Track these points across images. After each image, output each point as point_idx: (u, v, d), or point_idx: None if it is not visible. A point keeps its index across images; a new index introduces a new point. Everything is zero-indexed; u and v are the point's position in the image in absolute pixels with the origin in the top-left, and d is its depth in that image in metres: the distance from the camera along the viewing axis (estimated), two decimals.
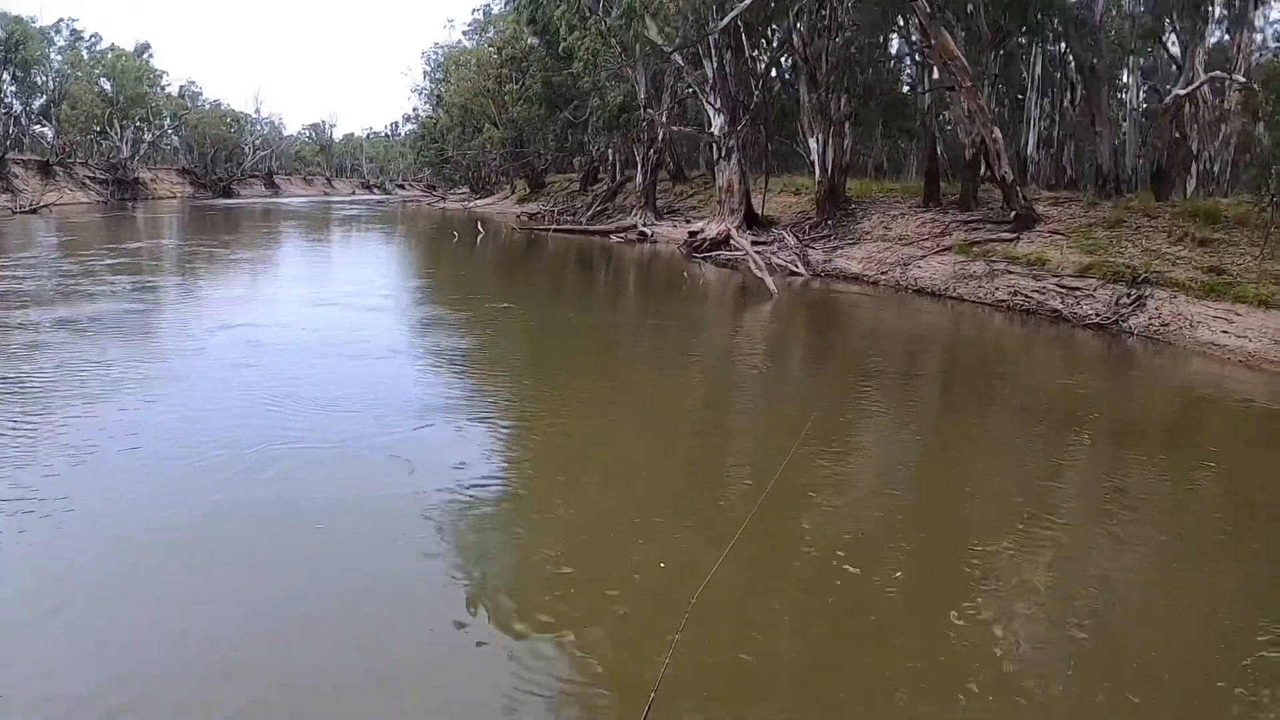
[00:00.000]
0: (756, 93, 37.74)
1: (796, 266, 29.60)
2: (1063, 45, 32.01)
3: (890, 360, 19.12)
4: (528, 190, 72.86)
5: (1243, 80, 24.99)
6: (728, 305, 26.06)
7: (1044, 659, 6.55)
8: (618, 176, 56.98)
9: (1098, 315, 22.92)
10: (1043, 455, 12.28)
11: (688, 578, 6.81)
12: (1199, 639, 7.06)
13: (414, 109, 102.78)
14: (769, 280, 25.53)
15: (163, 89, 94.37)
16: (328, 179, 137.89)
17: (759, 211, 36.58)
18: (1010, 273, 25.64)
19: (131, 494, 8.79)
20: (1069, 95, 36.24)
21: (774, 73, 40.05)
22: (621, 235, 45.42)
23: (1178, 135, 28.73)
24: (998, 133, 27.38)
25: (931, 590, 7.62)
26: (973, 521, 9.46)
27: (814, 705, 5.97)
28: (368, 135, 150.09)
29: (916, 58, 36.91)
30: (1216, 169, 29.39)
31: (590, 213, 53.90)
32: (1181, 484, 11.37)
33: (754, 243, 33.34)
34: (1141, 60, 34.34)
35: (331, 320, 19.31)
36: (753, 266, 27.92)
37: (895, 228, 31.31)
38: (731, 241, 33.97)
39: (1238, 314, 21.69)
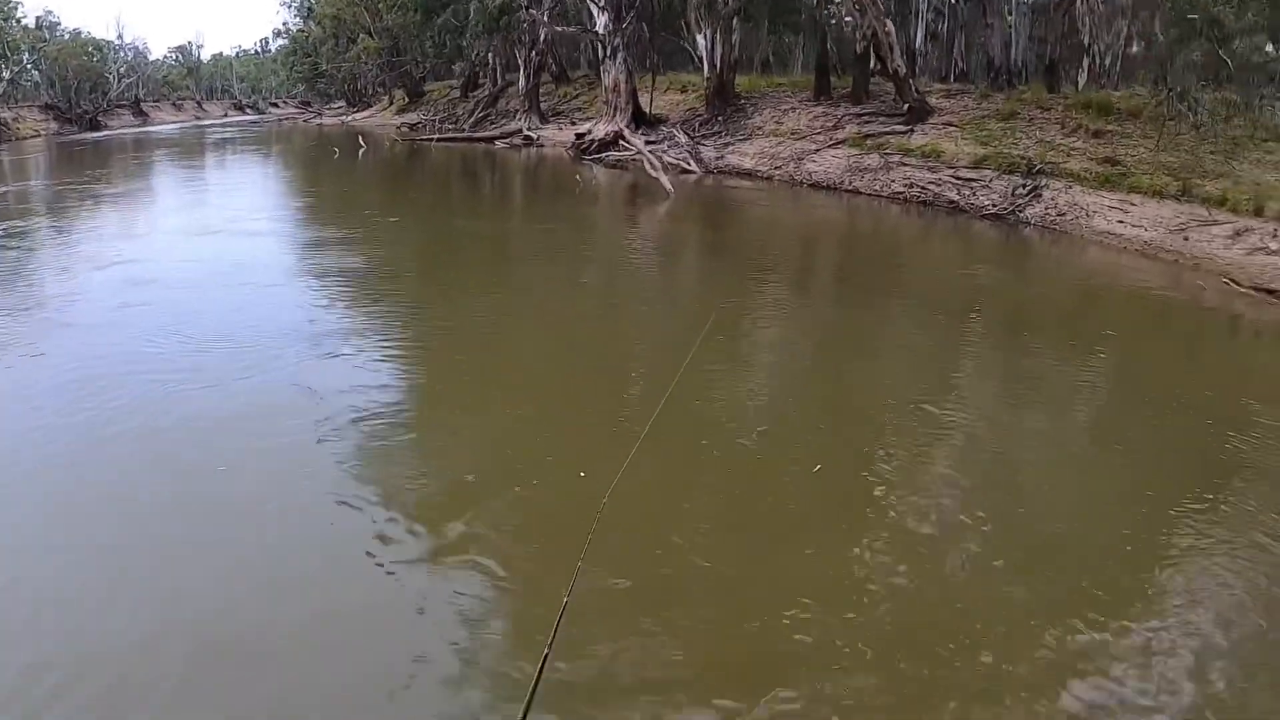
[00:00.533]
0: None
1: (689, 164, 28.83)
2: None
3: (791, 254, 18.71)
4: (406, 100, 70.42)
5: None
6: (622, 206, 25.19)
7: (951, 537, 6.49)
8: (499, 81, 55.18)
9: (995, 206, 22.68)
10: (945, 345, 12.00)
11: (601, 483, 6.43)
12: (1096, 511, 7.13)
13: (284, 23, 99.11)
14: (664, 179, 24.75)
15: (18, 22, 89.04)
16: (198, 103, 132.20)
17: (647, 110, 35.58)
18: (905, 165, 25.26)
19: (14, 453, 7.78)
20: None
21: None
22: (507, 141, 44.02)
23: (1069, 29, 28.52)
24: (890, 25, 26.91)
25: (840, 483, 7.37)
26: (876, 413, 9.14)
27: (728, 607, 5.70)
28: (237, 54, 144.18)
29: None
30: (1107, 62, 29.27)
31: (472, 120, 52.19)
32: (1080, 368, 11.19)
33: (645, 142, 32.54)
34: None
35: (215, 250, 17.55)
36: (646, 166, 27.09)
37: (787, 122, 30.68)
38: (622, 142, 33.07)
39: (1133, 204, 21.64)
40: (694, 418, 8.25)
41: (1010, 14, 30.29)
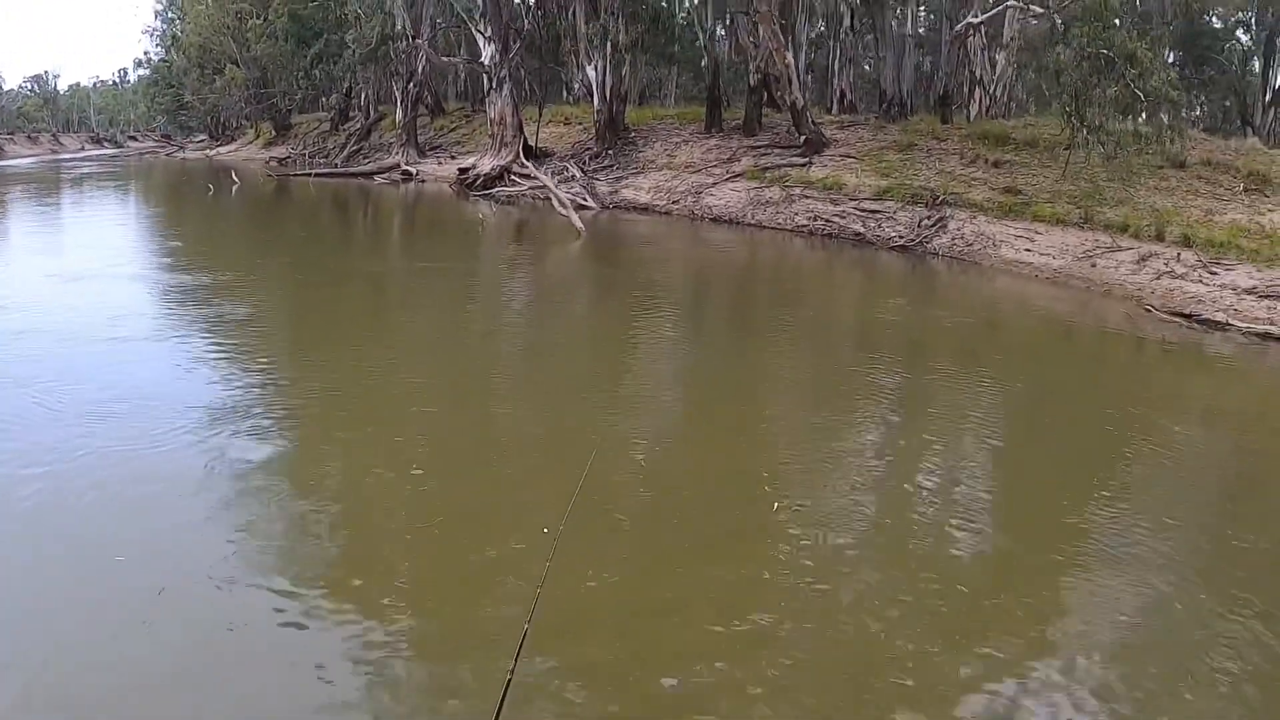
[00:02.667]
0: (528, 19, 36.03)
1: (586, 200, 28.13)
2: None
3: (718, 291, 18.13)
4: (273, 133, 68.48)
5: (1040, 10, 24.88)
6: (533, 246, 23.91)
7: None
8: (371, 114, 54.03)
9: (902, 238, 22.60)
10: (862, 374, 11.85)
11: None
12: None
13: (145, 52, 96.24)
14: (574, 217, 23.81)
15: None
16: (54, 135, 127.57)
17: (533, 144, 34.88)
18: (808, 198, 25.07)
19: None
20: (849, 20, 35.99)
21: None
22: (385, 176, 42.79)
23: (961, 61, 28.74)
24: (790, 58, 26.70)
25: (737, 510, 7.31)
26: (776, 436, 9.22)
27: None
28: (95, 85, 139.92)
29: None
30: (998, 93, 29.49)
31: (345, 153, 50.81)
32: (996, 391, 11.51)
33: (527, 177, 31.87)
34: None
35: (82, 298, 15.78)
36: (554, 203, 26.18)
37: (680, 155, 30.31)
38: (513, 176, 32.31)
39: (1038, 233, 21.76)
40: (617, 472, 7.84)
41: (897, 46, 30.40)
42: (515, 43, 35.22)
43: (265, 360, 11.33)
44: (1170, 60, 22.18)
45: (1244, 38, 41.27)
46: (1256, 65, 41.40)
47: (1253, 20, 40.08)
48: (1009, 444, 9.53)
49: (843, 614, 5.86)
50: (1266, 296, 18.57)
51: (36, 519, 6.73)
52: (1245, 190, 22.07)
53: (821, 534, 6.83)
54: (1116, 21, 22.18)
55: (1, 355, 11.00)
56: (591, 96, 33.83)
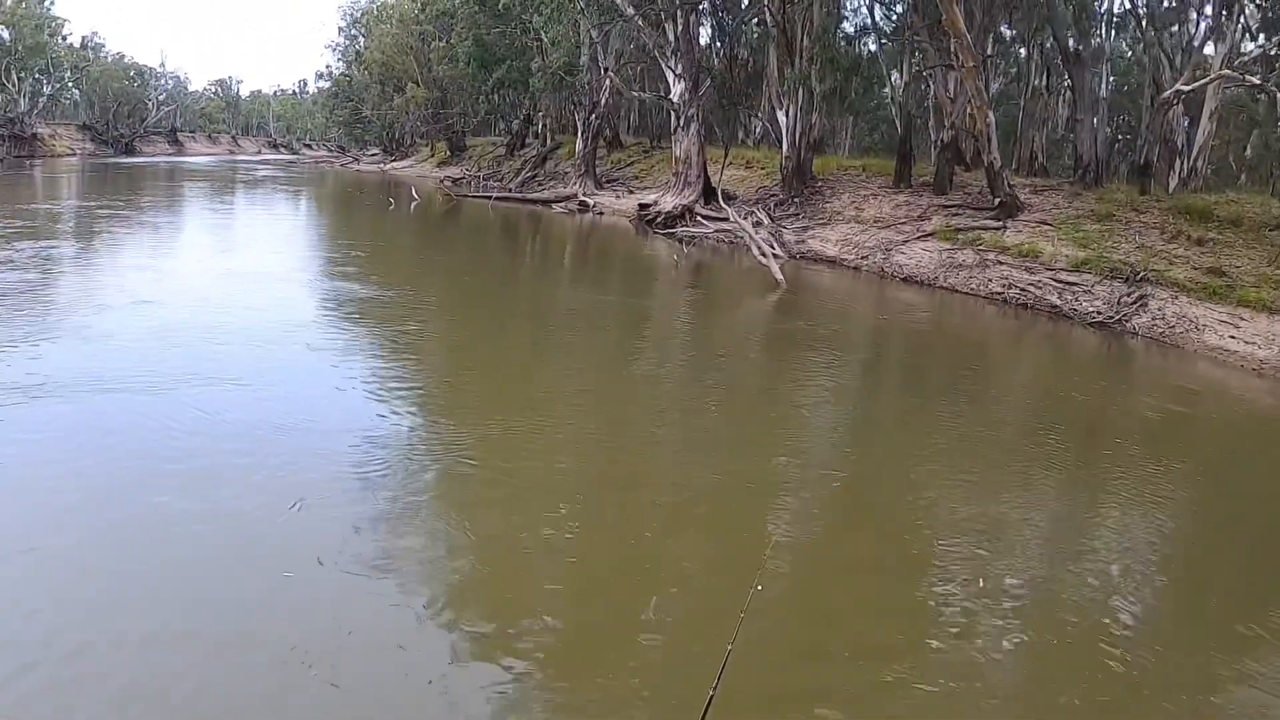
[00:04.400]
0: (719, 60, 36.46)
1: (773, 247, 28.34)
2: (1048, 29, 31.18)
3: (934, 360, 18.14)
4: (448, 153, 70.37)
5: (1257, 82, 24.41)
6: (725, 293, 24.22)
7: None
8: (548, 141, 55.12)
9: (1099, 313, 22.27)
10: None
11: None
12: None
13: (327, 66, 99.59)
14: (774, 267, 23.87)
15: (64, 39, 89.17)
16: (233, 138, 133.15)
17: (716, 185, 35.22)
18: (1002, 263, 24.84)
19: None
20: (1043, 80, 35.72)
21: (741, 39, 38.83)
22: (562, 205, 43.65)
23: (1165, 130, 28.29)
24: (991, 116, 26.51)
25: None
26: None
27: None
28: (275, 93, 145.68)
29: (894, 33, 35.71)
30: (1199, 165, 28.93)
31: (519, 179, 52.00)
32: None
33: (712, 218, 32.19)
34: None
35: (276, 303, 16.38)
36: (754, 251, 26.27)
37: (868, 209, 30.32)
38: (698, 217, 32.70)
39: (1243, 318, 21.21)
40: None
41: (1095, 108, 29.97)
42: (705, 81, 35.69)
43: (431, 388, 11.93)
44: None
45: None
46: None
47: None
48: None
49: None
50: None
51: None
52: None
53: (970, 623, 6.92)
54: None
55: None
56: (780, 142, 33.98)
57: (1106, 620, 7.23)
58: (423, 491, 8.43)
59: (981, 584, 7.56)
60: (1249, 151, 32.89)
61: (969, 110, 27.24)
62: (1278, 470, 13.48)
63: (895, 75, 35.19)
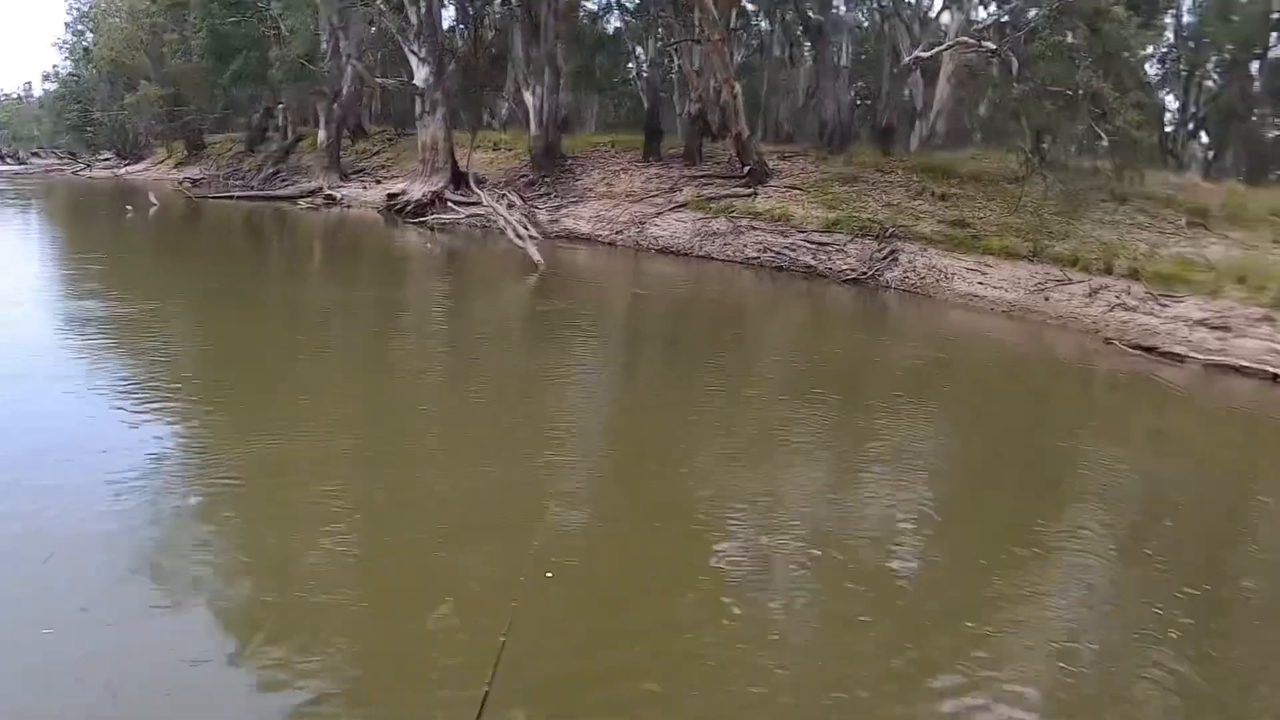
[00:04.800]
0: (464, 42, 35.57)
1: (527, 229, 27.55)
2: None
3: (698, 329, 17.73)
4: (185, 153, 66.69)
5: (992, 46, 25.15)
6: (483, 280, 22.86)
7: None
8: (290, 135, 52.94)
9: (853, 270, 22.64)
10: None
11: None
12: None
13: (54, 66, 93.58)
14: (533, 250, 22.96)
15: None
16: None
17: (464, 169, 34.23)
18: (756, 229, 24.94)
19: None
20: (787, 51, 36.18)
21: (485, 20, 37.98)
22: (309, 200, 41.74)
23: (908, 94, 28.99)
24: (738, 88, 26.61)
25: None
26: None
27: None
28: None
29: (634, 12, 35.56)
30: (939, 126, 29.75)
31: (262, 176, 49.65)
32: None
33: (463, 204, 31.30)
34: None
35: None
36: (510, 234, 25.26)
37: (620, 184, 29.97)
38: (449, 203, 31.69)
39: (989, 265, 21.92)
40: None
41: (836, 76, 30.46)
42: (450, 64, 34.75)
43: (187, 407, 10.61)
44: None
45: (1152, 69, 42.28)
46: (1171, 99, 42.69)
47: (1167, 54, 41.08)
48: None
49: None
50: (1217, 328, 18.97)
51: None
52: (1188, 224, 22.44)
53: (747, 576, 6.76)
54: (1076, 61, 22.44)
55: None
56: (527, 122, 33.39)
57: (892, 564, 7.19)
58: (189, 521, 7.31)
59: (765, 541, 7.28)
60: (982, 110, 34.20)
61: (713, 82, 27.25)
62: (1031, 403, 14.02)
63: (640, 51, 35.05)
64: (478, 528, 7.31)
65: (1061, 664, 6.05)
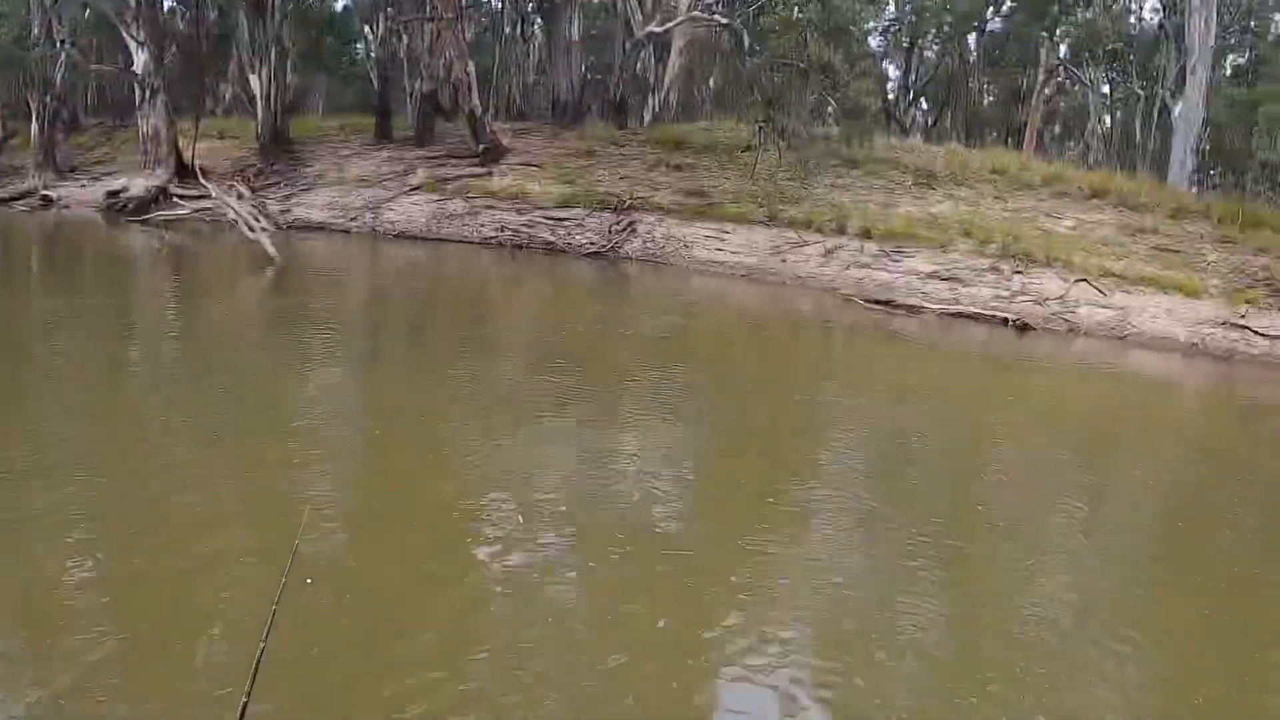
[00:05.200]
0: (185, 24, 33.72)
1: (259, 220, 26.18)
2: None
3: (430, 313, 17.12)
4: None
5: (725, 21, 25.52)
6: (216, 278, 21.12)
7: None
8: (2, 130, 49.42)
9: (594, 244, 22.50)
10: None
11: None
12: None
13: None
14: (267, 243, 21.53)
15: None
16: None
17: (189, 161, 32.47)
18: (493, 208, 24.43)
19: None
20: (518, 27, 35.77)
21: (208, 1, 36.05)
22: (24, 202, 38.88)
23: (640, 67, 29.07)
24: (470, 65, 26.07)
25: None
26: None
27: None
28: None
29: None
30: (671, 98, 29.95)
31: None
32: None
33: (190, 197, 29.75)
34: None
35: None
36: (242, 227, 23.70)
37: (351, 169, 28.87)
38: (175, 198, 29.96)
39: (727, 232, 22.20)
40: None
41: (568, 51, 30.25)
42: (172, 48, 32.92)
43: None
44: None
45: (875, 43, 43.98)
46: (892, 69, 44.79)
47: (889, 27, 42.80)
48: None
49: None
50: (947, 279, 19.90)
51: None
52: (915, 184, 23.25)
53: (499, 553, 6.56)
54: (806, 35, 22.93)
55: None
56: (254, 108, 31.88)
57: (655, 529, 7.18)
58: None
59: (528, 520, 7.02)
60: (711, 82, 34.73)
61: (445, 61, 26.66)
62: (776, 360, 14.44)
63: (369, 30, 34.10)
64: (228, 536, 6.64)
65: (823, 602, 6.25)
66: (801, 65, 22.58)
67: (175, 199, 29.27)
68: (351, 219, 26.23)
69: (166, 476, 7.66)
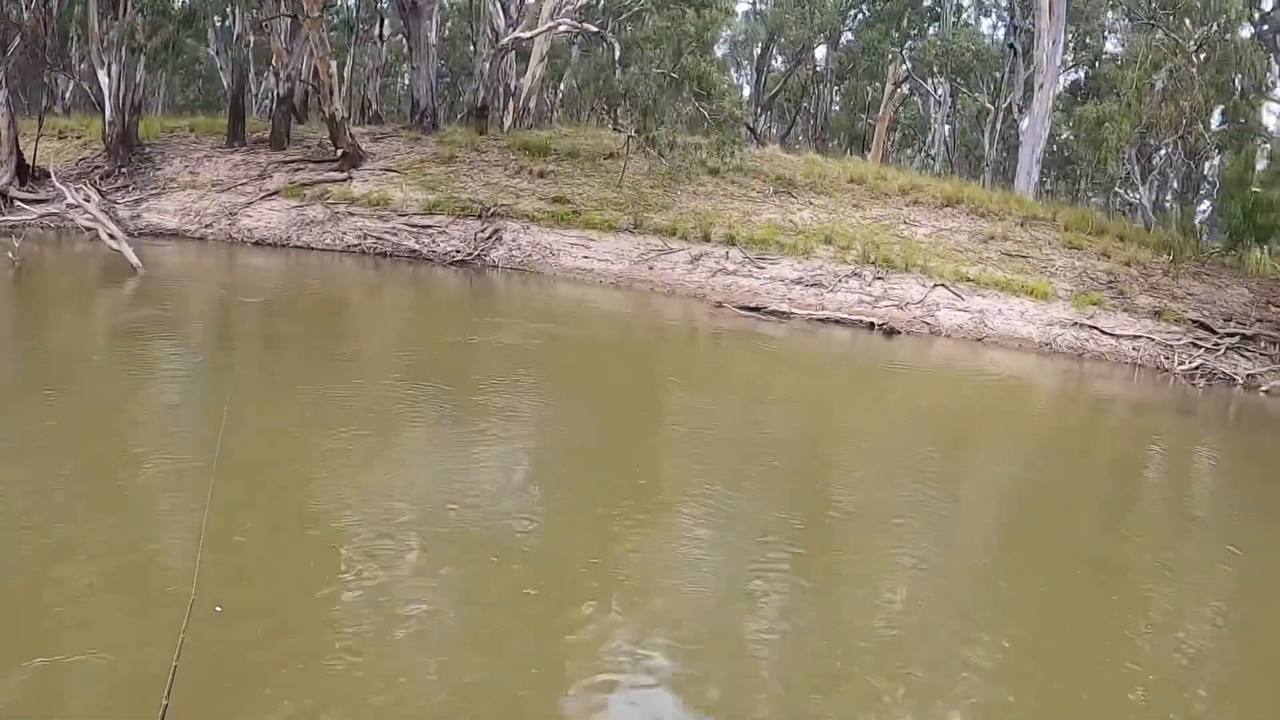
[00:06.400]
0: (29, 15, 32.28)
1: (108, 226, 25.06)
2: None
3: (299, 325, 16.61)
4: None
5: (595, 29, 25.64)
6: (70, 290, 19.72)
7: None
8: None
9: (459, 252, 22.35)
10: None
11: None
12: None
13: None
14: (129, 251, 20.37)
15: None
16: None
17: (32, 162, 31.06)
18: (355, 215, 24.00)
19: None
20: (377, 27, 35.27)
21: None
22: None
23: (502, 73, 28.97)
24: (334, 66, 25.56)
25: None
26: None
27: None
28: None
29: None
30: (532, 104, 29.89)
31: None
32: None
33: (34, 201, 28.60)
34: None
35: None
36: (104, 235, 22.20)
37: (204, 172, 28.00)
38: (17, 202, 28.69)
39: (592, 239, 22.31)
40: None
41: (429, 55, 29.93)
42: (15, 40, 31.50)
43: None
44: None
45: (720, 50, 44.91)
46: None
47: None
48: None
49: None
50: (812, 285, 20.43)
51: None
52: (776, 193, 23.70)
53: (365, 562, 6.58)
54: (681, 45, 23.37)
55: None
56: (100, 106, 30.65)
57: (517, 527, 7.42)
58: None
59: (406, 535, 7.06)
60: (562, 88, 34.98)
61: (311, 61, 26.18)
62: (641, 364, 14.92)
63: (218, 25, 33.26)
64: (117, 570, 6.39)
65: (687, 583, 6.69)
66: (675, 76, 22.85)
67: (18, 203, 28.05)
68: (207, 225, 25.49)
69: (29, 515, 7.32)
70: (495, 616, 6.01)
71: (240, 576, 6.26)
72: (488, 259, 22.04)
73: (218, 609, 5.58)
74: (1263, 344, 20.17)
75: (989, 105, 37.55)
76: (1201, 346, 19.95)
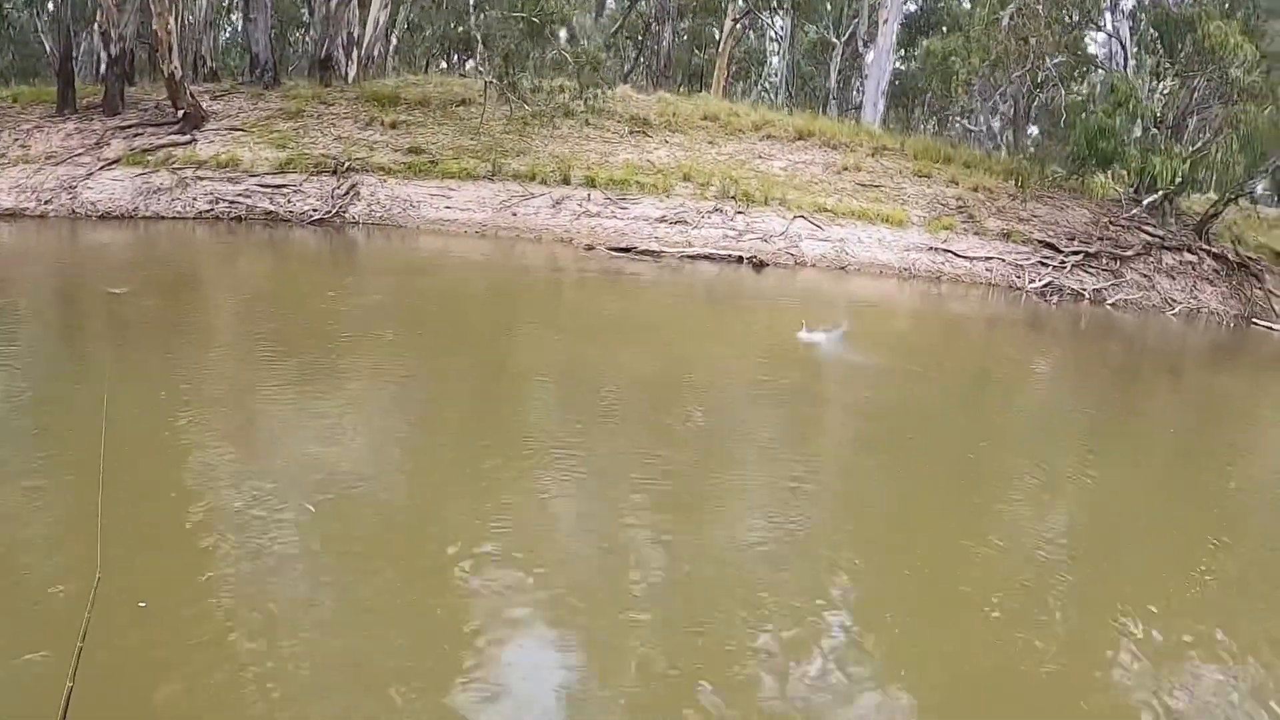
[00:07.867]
0: None
1: None
2: None
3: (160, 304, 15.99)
4: None
5: None
6: None
7: None
8: None
9: (316, 211, 21.82)
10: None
11: None
12: None
13: None
14: None
15: None
16: None
17: None
18: (204, 179, 23.16)
19: None
20: None
21: None
22: None
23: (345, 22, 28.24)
24: (173, 23, 24.57)
25: None
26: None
27: None
28: None
29: None
30: (375, 53, 29.21)
31: None
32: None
33: None
34: None
35: None
36: None
37: (36, 144, 26.65)
38: None
39: (452, 189, 22.14)
40: None
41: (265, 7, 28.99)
42: None
43: None
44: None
45: None
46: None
47: None
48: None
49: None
50: (676, 223, 20.60)
51: None
52: (630, 133, 23.74)
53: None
54: None
55: None
56: None
57: (384, 488, 7.26)
58: None
59: (295, 522, 6.58)
60: (395, 36, 34.52)
61: (139, 19, 25.14)
62: (507, 310, 14.83)
63: None
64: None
65: (562, 533, 6.72)
66: (535, 20, 22.58)
67: None
68: (46, 202, 24.31)
69: None
70: (374, 580, 5.88)
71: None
72: (347, 216, 21.62)
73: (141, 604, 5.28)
74: (1104, 260, 21.28)
75: (834, 39, 38.05)
76: (1049, 265, 20.95)
